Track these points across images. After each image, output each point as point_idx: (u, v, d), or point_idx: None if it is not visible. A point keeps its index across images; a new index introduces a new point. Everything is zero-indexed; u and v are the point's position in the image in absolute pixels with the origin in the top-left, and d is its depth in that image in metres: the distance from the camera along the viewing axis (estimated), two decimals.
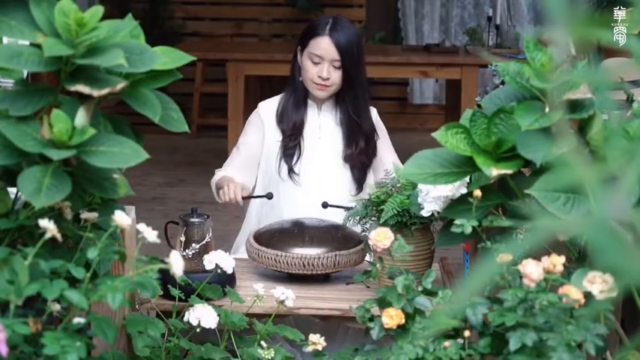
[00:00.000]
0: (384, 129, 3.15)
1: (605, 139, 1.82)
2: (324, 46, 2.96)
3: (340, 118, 3.05)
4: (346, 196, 2.94)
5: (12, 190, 1.78)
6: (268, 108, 3.09)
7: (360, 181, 3.02)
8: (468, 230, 1.89)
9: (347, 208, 2.70)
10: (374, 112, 3.12)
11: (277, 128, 3.05)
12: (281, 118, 3.05)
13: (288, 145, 3.02)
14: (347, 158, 3.03)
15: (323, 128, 3.06)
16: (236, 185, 2.89)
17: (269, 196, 2.92)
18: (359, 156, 3.03)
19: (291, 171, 3.01)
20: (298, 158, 3.02)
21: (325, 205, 2.85)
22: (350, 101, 3.02)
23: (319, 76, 2.97)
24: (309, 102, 3.06)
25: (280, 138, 3.04)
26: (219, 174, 3.05)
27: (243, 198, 2.90)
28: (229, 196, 2.86)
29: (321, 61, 2.97)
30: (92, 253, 1.64)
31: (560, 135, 1.72)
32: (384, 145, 3.10)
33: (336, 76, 2.98)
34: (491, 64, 3.19)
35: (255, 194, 3.02)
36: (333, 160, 3.04)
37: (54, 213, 1.72)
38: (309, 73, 2.98)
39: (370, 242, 1.99)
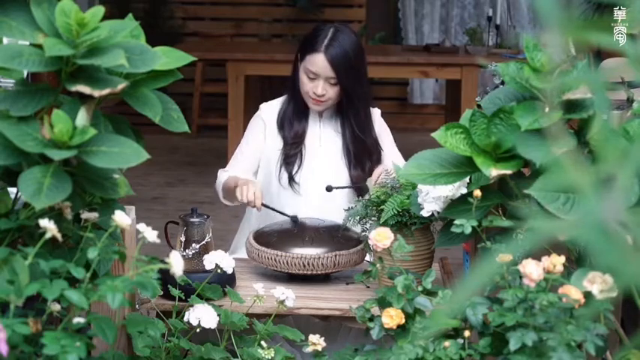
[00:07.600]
0: (388, 132, 3.10)
1: (604, 139, 1.82)
2: (318, 63, 2.89)
3: (341, 129, 3.01)
4: (346, 204, 2.81)
5: (12, 190, 1.78)
6: (270, 111, 3.03)
7: (361, 191, 2.91)
8: (468, 230, 1.89)
9: (352, 187, 2.85)
10: (377, 113, 3.07)
11: (278, 134, 3.01)
12: (282, 125, 3.00)
13: (289, 153, 2.98)
14: (350, 171, 2.98)
15: (324, 137, 3.02)
16: (257, 188, 2.73)
17: (294, 219, 2.71)
18: (362, 170, 2.97)
19: (291, 180, 2.96)
20: (299, 167, 2.98)
21: (330, 189, 2.83)
22: (351, 116, 2.97)
23: (314, 92, 2.92)
24: (310, 110, 3.01)
25: (281, 145, 2.99)
26: (224, 174, 2.97)
27: (264, 205, 2.73)
28: (248, 197, 2.71)
29: (317, 78, 2.90)
30: (92, 253, 1.64)
31: (556, 135, 1.72)
32: (388, 149, 3.05)
33: (332, 92, 2.92)
34: (490, 64, 3.18)
35: (275, 208, 2.79)
36: (333, 170, 3.00)
37: (54, 213, 1.72)
38: (305, 87, 2.93)
39: (370, 242, 1.99)
